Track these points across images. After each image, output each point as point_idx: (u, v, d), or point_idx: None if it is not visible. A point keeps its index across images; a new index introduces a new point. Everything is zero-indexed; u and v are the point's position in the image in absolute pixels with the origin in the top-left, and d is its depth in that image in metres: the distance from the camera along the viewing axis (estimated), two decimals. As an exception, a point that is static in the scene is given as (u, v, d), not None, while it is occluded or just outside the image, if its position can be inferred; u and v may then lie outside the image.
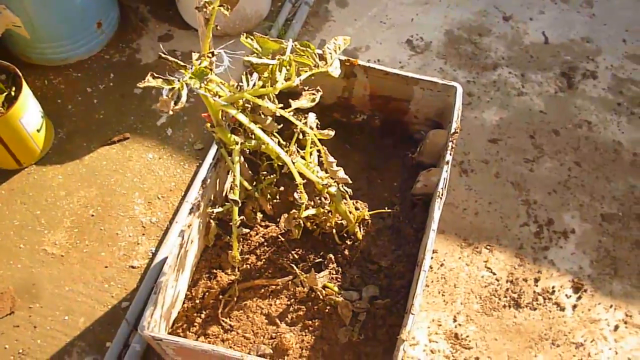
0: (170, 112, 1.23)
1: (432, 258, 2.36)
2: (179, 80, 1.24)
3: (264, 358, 1.55)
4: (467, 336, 2.21)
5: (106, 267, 2.30)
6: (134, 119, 2.67)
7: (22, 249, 2.32)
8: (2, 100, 2.30)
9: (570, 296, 2.33)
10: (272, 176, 1.78)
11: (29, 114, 2.35)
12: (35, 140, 2.45)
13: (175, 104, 1.19)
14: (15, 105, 2.26)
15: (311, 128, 1.53)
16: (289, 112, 1.46)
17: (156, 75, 1.23)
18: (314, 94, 1.47)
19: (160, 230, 2.39)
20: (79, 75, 2.78)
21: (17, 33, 2.54)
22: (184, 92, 1.22)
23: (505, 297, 2.31)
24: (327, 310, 1.69)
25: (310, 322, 1.68)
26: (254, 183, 1.76)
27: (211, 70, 1.28)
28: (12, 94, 2.32)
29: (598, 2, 3.24)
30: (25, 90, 2.32)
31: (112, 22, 2.84)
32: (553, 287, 2.34)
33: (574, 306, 2.31)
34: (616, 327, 2.27)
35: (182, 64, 1.26)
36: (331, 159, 1.56)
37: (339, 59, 1.65)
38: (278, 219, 1.86)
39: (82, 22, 2.68)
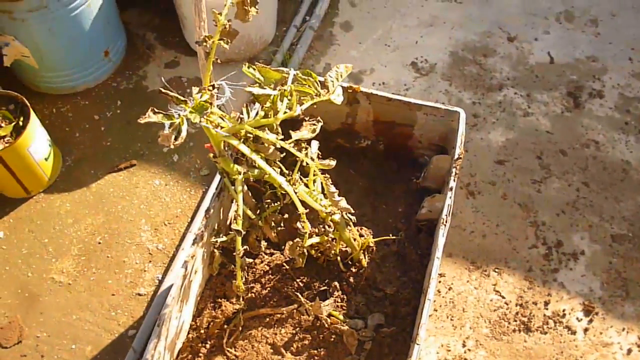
0: (172, 146, 1.24)
1: (439, 282, 2.34)
2: (179, 115, 1.25)
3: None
4: (477, 361, 2.18)
5: (113, 294, 2.31)
6: (140, 146, 2.69)
7: (30, 277, 2.33)
8: (10, 130, 2.33)
9: (582, 319, 2.29)
10: (276, 204, 1.78)
11: (36, 142, 2.37)
12: (43, 169, 2.47)
13: (176, 138, 1.20)
14: (23, 135, 2.28)
15: (312, 159, 1.53)
16: (290, 143, 1.46)
17: (157, 110, 1.24)
18: (314, 124, 1.47)
19: (167, 257, 2.39)
20: (87, 103, 2.81)
21: (25, 63, 2.58)
22: (184, 127, 1.23)
23: (515, 321, 2.28)
24: (332, 339, 1.67)
25: (315, 351, 1.67)
26: (258, 211, 1.76)
27: (211, 104, 1.28)
28: (20, 123, 2.35)
29: (603, 21, 3.24)
30: (33, 119, 2.35)
31: (119, 50, 2.87)
32: (564, 310, 2.30)
33: (586, 329, 2.27)
34: (629, 351, 2.23)
35: (182, 99, 1.27)
36: (333, 189, 1.56)
37: (341, 86, 1.65)
38: (283, 247, 1.86)
39: (90, 51, 2.72)
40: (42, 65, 2.62)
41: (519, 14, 3.26)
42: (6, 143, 2.30)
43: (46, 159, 2.47)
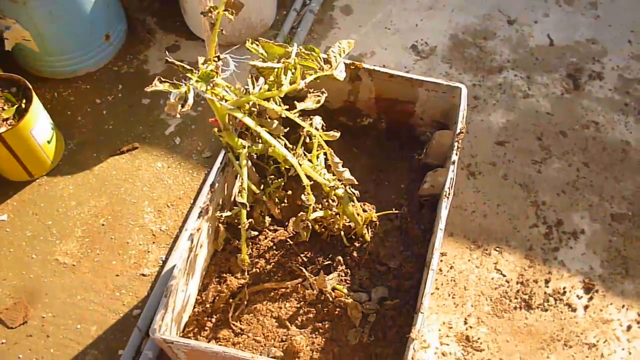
0: (178, 116, 1.25)
1: (441, 261, 2.36)
2: (185, 85, 1.26)
3: (274, 359, 1.56)
4: (479, 338, 2.20)
5: (117, 275, 2.32)
6: (142, 129, 2.70)
7: (34, 259, 2.34)
8: (13, 112, 2.34)
9: (582, 297, 2.32)
10: (279, 180, 1.80)
11: (39, 125, 2.38)
12: (46, 152, 2.48)
13: (183, 106, 1.21)
14: (26, 117, 2.29)
15: (316, 129, 1.54)
16: (295, 113, 1.48)
17: (163, 79, 1.25)
18: (319, 95, 1.49)
19: (170, 238, 2.41)
20: (88, 87, 2.82)
21: (26, 47, 2.59)
22: (191, 95, 1.24)
23: (516, 298, 2.30)
24: (336, 312, 1.69)
25: (320, 324, 1.68)
26: (262, 187, 1.78)
27: (217, 73, 1.30)
28: (23, 106, 2.35)
29: (603, 3, 3.25)
30: (36, 102, 2.36)
31: (120, 34, 2.88)
32: (564, 288, 2.33)
33: (586, 307, 2.29)
34: (629, 327, 2.25)
35: (188, 67, 1.28)
36: (337, 159, 1.57)
37: (344, 63, 1.66)
38: (286, 223, 1.87)
39: (91, 35, 2.72)
40: (43, 49, 2.63)
41: (518, -3, 3.27)
42: (9, 125, 2.31)
43: (49, 142, 2.48)
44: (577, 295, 2.31)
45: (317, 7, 3.09)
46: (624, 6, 3.24)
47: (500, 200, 2.54)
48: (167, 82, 1.25)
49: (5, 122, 2.32)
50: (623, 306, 2.30)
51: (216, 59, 1.33)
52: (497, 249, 2.41)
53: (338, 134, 1.55)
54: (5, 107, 2.35)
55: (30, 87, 2.35)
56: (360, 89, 1.96)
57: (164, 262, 2.35)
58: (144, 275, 2.33)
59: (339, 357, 1.63)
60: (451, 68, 2.95)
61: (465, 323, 2.24)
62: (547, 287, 2.33)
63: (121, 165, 2.59)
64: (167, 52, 1.32)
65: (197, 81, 1.26)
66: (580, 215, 2.51)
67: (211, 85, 1.28)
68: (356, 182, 1.63)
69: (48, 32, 2.57)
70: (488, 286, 2.32)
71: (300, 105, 1.48)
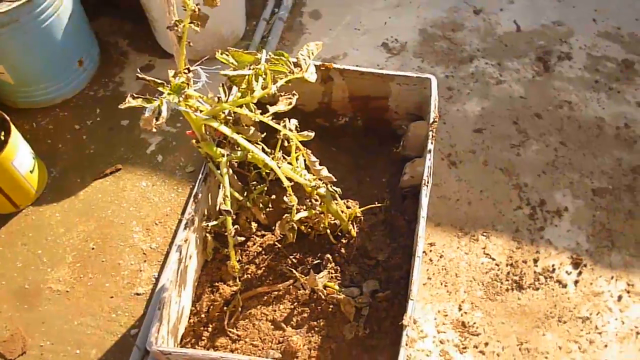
0: (154, 130, 1.27)
1: (431, 251, 2.39)
2: (158, 99, 1.28)
3: (271, 357, 1.58)
4: (474, 323, 2.23)
5: (112, 297, 2.33)
6: (124, 150, 2.71)
7: (27, 288, 2.35)
8: (-8, 146, 2.34)
9: (571, 272, 2.36)
10: (261, 185, 1.82)
11: (20, 156, 2.39)
12: (29, 182, 2.49)
13: (157, 119, 1.24)
14: (6, 149, 2.30)
15: (291, 130, 1.57)
16: (268, 116, 1.50)
17: (136, 95, 1.27)
18: (290, 98, 1.52)
19: (161, 255, 2.42)
20: (66, 114, 2.83)
21: (1, 79, 2.60)
22: (164, 108, 1.27)
23: (507, 280, 2.33)
24: (330, 309, 1.72)
25: (315, 322, 1.71)
26: (245, 194, 1.80)
27: (188, 85, 1.32)
28: (2, 138, 2.36)
29: (564, -15, 3.32)
30: (14, 133, 2.36)
31: (93, 58, 2.89)
32: (553, 266, 2.36)
33: (576, 282, 2.33)
34: (619, 298, 2.30)
35: (159, 81, 1.30)
36: (314, 158, 1.60)
37: (314, 65, 1.70)
38: (273, 228, 1.89)
39: (64, 62, 2.74)
40: (18, 81, 2.64)
41: (482, -13, 3.33)
42: (-10, 159, 2.32)
43: (31, 172, 2.49)
44: (567, 272, 2.35)
45: (286, 15, 3.13)
46: (585, -14, 3.31)
47: (483, 187, 2.58)
48: (140, 97, 1.27)
49: (-15, 156, 2.32)
50: (612, 277, 2.34)
51: (186, 70, 1.35)
52: (485, 234, 2.45)
53: (312, 134, 1.58)
54: (-16, 141, 2.36)
55: (8, 118, 2.36)
56: (334, 90, 1.99)
57: (157, 279, 2.36)
58: (138, 294, 2.33)
59: (337, 353, 1.66)
60: (423, 62, 2.99)
61: (460, 309, 2.27)
62: (537, 266, 2.36)
63: (106, 188, 2.61)
64: (138, 70, 1.35)
65: (169, 94, 1.28)
66: (562, 193, 2.56)
67: (183, 96, 1.31)
68: (334, 179, 1.66)
69: (21, 63, 2.59)
70: (479, 271, 2.35)
71: (272, 109, 1.51)
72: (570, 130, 2.75)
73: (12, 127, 2.35)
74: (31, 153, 2.50)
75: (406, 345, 1.38)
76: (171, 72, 1.34)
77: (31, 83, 2.69)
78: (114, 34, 3.10)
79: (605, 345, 2.18)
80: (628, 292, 2.31)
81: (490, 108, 2.82)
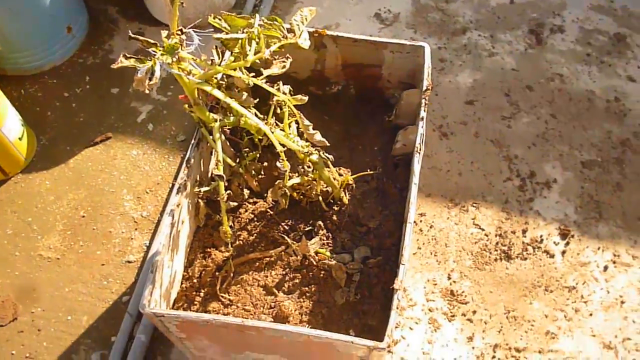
0: (147, 91, 1.26)
1: (421, 221, 2.41)
2: (151, 59, 1.27)
3: (263, 321, 1.59)
4: (463, 292, 2.26)
5: (103, 264, 2.33)
6: (114, 119, 2.69)
7: (17, 256, 2.34)
8: (-19, 112, 2.32)
9: (559, 243, 2.39)
10: (254, 152, 1.82)
11: (9, 122, 2.37)
12: (19, 149, 2.47)
13: (150, 79, 1.23)
14: (-6, 115, 2.28)
15: (284, 93, 1.56)
16: (262, 79, 1.50)
17: (129, 55, 1.26)
18: (284, 61, 1.51)
19: (152, 224, 2.42)
20: (55, 82, 2.80)
21: (-12, 45, 2.56)
22: (157, 68, 1.26)
23: (496, 250, 2.36)
24: (322, 275, 1.73)
25: (306, 288, 1.72)
26: (238, 160, 1.80)
27: (181, 46, 1.31)
28: (-10, 104, 2.34)
29: (558, -42, 3.30)
30: (3, 99, 2.34)
31: (82, 25, 2.85)
32: (541, 236, 2.39)
33: (563, 252, 2.37)
34: (605, 268, 2.33)
35: (152, 42, 1.29)
36: (307, 122, 1.60)
37: (308, 31, 1.68)
38: (265, 195, 1.90)
39: (52, 28, 2.70)
40: (6, 47, 2.60)
41: (476, -41, 3.30)
42: (-22, 125, 2.29)
43: (20, 139, 2.47)
44: (554, 242, 2.38)
45: (278, -16, 3.10)
46: (579, -41, 3.30)
47: (473, 158, 2.59)
48: (133, 57, 1.26)
49: (-26, 122, 2.30)
50: (599, 248, 2.37)
51: (179, 32, 1.34)
52: (474, 204, 2.47)
53: (306, 98, 1.58)
54: (-27, 107, 2.33)
55: (-4, 84, 2.33)
56: (327, 57, 1.98)
57: (148, 247, 2.36)
58: (129, 262, 2.34)
59: (328, 317, 1.67)
60: (416, 33, 2.98)
61: (449, 278, 2.30)
62: (525, 237, 2.39)
63: (96, 157, 2.59)
64: (130, 31, 1.32)
65: (162, 54, 1.27)
66: (552, 165, 2.58)
67: (176, 57, 1.30)
68: (327, 144, 1.66)
69: (9, 29, 2.55)
70: (468, 241, 2.38)
71: (266, 72, 1.50)
72: (561, 103, 2.76)
73: (1, 93, 2.32)
74: (20, 120, 2.48)
75: (397, 309, 1.40)
76: (164, 33, 1.33)
77: (19, 49, 2.65)
78: (103, 1, 3.05)
79: (591, 314, 2.23)
80: (614, 262, 2.34)
81: (482, 80, 2.82)
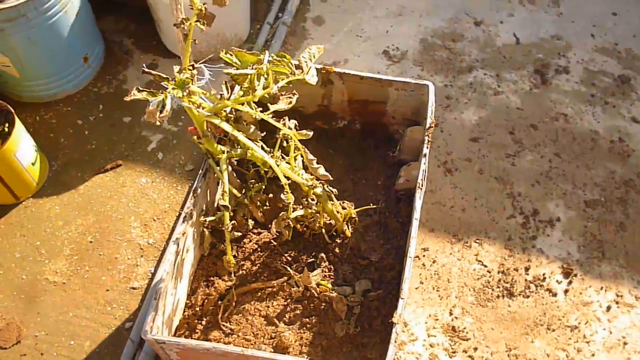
0: (158, 122, 1.31)
1: (424, 256, 2.42)
2: (162, 93, 1.32)
3: (263, 351, 1.61)
4: (464, 328, 2.26)
5: (107, 290, 2.36)
6: (125, 147, 2.75)
7: (24, 279, 2.37)
8: (-4, 137, 2.38)
9: (561, 281, 2.39)
10: (259, 183, 1.86)
11: (23, 148, 2.42)
12: (31, 174, 2.52)
13: (161, 112, 1.27)
14: (9, 140, 2.33)
15: (290, 129, 1.61)
16: (269, 114, 1.54)
17: (141, 88, 1.31)
18: (290, 97, 1.56)
19: (158, 251, 2.45)
20: (69, 109, 2.87)
21: (6, 72, 2.63)
22: (168, 102, 1.31)
23: (498, 287, 2.37)
24: (322, 307, 1.75)
25: (307, 319, 1.74)
26: (243, 191, 1.84)
27: (192, 80, 1.36)
28: (6, 130, 2.40)
29: (564, 0, 3.37)
30: (18, 125, 2.40)
31: (98, 55, 2.94)
32: (544, 274, 2.40)
33: (566, 291, 2.37)
34: (608, 308, 2.33)
35: (164, 76, 1.34)
36: (311, 157, 1.64)
37: (315, 68, 1.74)
38: (269, 226, 1.93)
39: (69, 58, 2.78)
40: (23, 74, 2.68)
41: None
42: (-7, 150, 2.35)
43: (33, 164, 2.52)
44: (557, 281, 2.39)
45: (289, 20, 3.18)
46: (585, 1, 3.37)
47: (477, 194, 2.61)
48: (145, 90, 1.31)
49: (-11, 147, 2.36)
50: (601, 288, 2.37)
51: (191, 67, 1.39)
52: (477, 241, 2.48)
53: (311, 133, 1.62)
54: (-12, 132, 2.40)
55: (13, 111, 2.39)
56: (333, 93, 2.03)
57: (153, 274, 2.39)
58: (134, 288, 2.36)
59: (328, 349, 1.69)
60: (422, 70, 3.04)
61: (451, 314, 2.30)
62: (528, 274, 2.40)
63: (106, 183, 2.64)
64: (143, 65, 1.38)
65: (173, 88, 1.32)
66: (555, 203, 2.60)
67: (187, 91, 1.35)
68: (331, 178, 1.69)
69: (27, 58, 2.62)
70: (470, 277, 2.39)
71: (273, 107, 1.55)
72: (565, 142, 2.79)
73: (17, 119, 2.38)
74: (34, 146, 2.54)
75: (395, 342, 1.41)
76: (176, 68, 1.38)
77: (36, 77, 2.73)
78: (119, 32, 3.15)
79: (593, 354, 2.22)
80: (617, 302, 2.34)
81: (487, 118, 2.87)
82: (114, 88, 2.95)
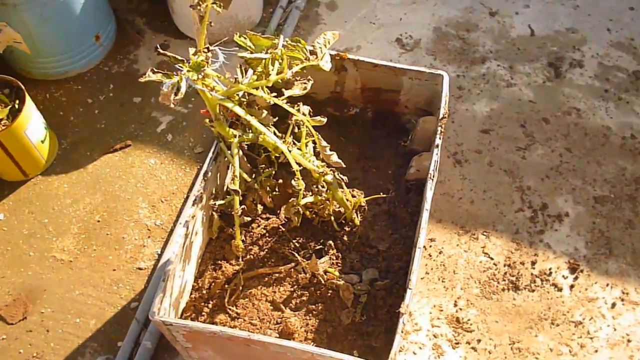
0: (172, 105, 1.30)
1: (430, 246, 2.42)
2: (177, 75, 1.32)
3: (269, 336, 1.61)
4: (468, 320, 2.27)
5: (114, 270, 2.37)
6: (134, 127, 2.75)
7: (31, 256, 2.39)
8: (7, 113, 2.38)
9: (567, 277, 2.39)
10: (270, 169, 1.85)
11: (32, 125, 2.42)
12: (40, 151, 2.52)
13: (176, 94, 1.27)
14: (19, 117, 2.33)
15: (304, 114, 1.60)
16: (283, 99, 1.53)
17: (156, 70, 1.30)
18: (305, 83, 1.55)
19: (165, 232, 2.46)
20: (80, 88, 2.86)
21: (18, 49, 2.63)
22: (183, 84, 1.30)
23: (504, 280, 2.37)
24: (329, 294, 1.75)
25: (313, 306, 1.74)
26: (254, 176, 1.83)
27: (207, 63, 1.35)
28: (16, 106, 2.40)
29: (581, -7, 3.33)
30: (29, 102, 2.40)
31: (109, 34, 2.92)
32: (550, 269, 2.40)
33: (571, 286, 2.37)
34: (613, 305, 2.33)
35: (180, 58, 1.33)
36: (324, 143, 1.63)
37: (329, 54, 1.72)
38: (278, 211, 1.93)
39: (81, 36, 2.77)
40: (35, 51, 2.67)
41: (499, -10, 3.34)
42: (3, 126, 2.35)
43: (42, 142, 2.53)
44: (563, 276, 2.38)
45: (302, 4, 3.16)
46: (602, -5, 3.33)
47: (486, 187, 2.60)
48: (160, 72, 1.30)
49: (-1, 123, 2.36)
50: (607, 285, 2.37)
51: (206, 50, 1.38)
52: (485, 233, 2.48)
53: (325, 119, 1.61)
54: (-1, 108, 2.40)
55: (23, 88, 2.39)
56: (346, 80, 2.02)
57: (160, 255, 2.40)
58: (140, 269, 2.37)
59: (333, 336, 1.69)
60: (435, 60, 3.02)
61: (455, 305, 2.30)
62: (534, 268, 2.40)
63: (115, 163, 2.64)
64: (158, 46, 1.37)
65: (188, 71, 1.31)
66: (564, 198, 2.59)
67: (202, 74, 1.34)
68: (343, 166, 1.69)
69: (39, 34, 2.62)
70: (476, 269, 2.39)
71: (287, 92, 1.54)
72: (576, 137, 2.77)
73: (27, 96, 2.38)
74: (43, 124, 2.54)
75: (402, 332, 1.41)
76: (191, 50, 1.37)
77: (47, 54, 2.72)
78: (131, 11, 3.13)
79: (596, 351, 2.22)
80: (622, 300, 2.34)
81: (498, 110, 2.85)
82: (124, 67, 2.94)
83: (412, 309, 2.25)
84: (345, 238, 1.84)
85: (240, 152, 1.73)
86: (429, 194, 1.63)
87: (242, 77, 1.55)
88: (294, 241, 1.85)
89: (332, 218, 1.82)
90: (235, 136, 1.62)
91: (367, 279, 1.77)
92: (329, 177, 1.72)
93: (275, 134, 1.65)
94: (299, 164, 1.64)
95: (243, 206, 1.71)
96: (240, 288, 1.78)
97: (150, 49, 2.99)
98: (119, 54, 2.98)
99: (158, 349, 2.18)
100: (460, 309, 2.29)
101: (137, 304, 2.28)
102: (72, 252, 2.40)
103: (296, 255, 1.79)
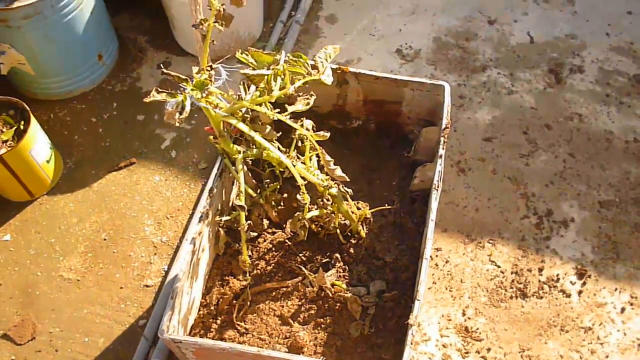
0: (177, 124, 1.31)
1: (437, 256, 2.42)
2: (181, 94, 1.33)
3: (278, 351, 1.61)
4: (477, 328, 2.26)
5: (121, 287, 2.37)
6: (138, 144, 2.76)
7: (39, 276, 2.39)
8: (12, 134, 2.40)
9: (575, 282, 2.38)
10: (275, 183, 1.86)
11: (38, 145, 2.44)
12: (46, 171, 2.54)
13: (180, 113, 1.28)
14: (24, 138, 2.35)
15: (307, 129, 1.61)
16: (286, 115, 1.54)
17: (160, 89, 1.31)
18: (308, 98, 1.56)
19: (171, 249, 2.46)
20: (84, 107, 2.88)
21: (22, 70, 2.65)
22: (187, 103, 1.31)
23: (512, 288, 2.36)
24: (337, 307, 1.75)
25: (322, 319, 1.74)
26: (259, 191, 1.84)
27: (211, 81, 1.37)
28: (21, 127, 2.42)
29: (579, -1, 3.35)
30: (34, 123, 2.42)
31: (112, 53, 2.95)
32: (557, 275, 2.39)
33: (580, 292, 2.36)
34: (622, 309, 2.32)
35: (183, 77, 1.35)
36: (328, 157, 1.64)
37: (331, 68, 1.74)
38: (284, 225, 1.93)
39: (84, 55, 2.79)
40: (39, 72, 2.69)
41: (497, -2, 3.37)
42: (8, 147, 2.37)
43: (48, 162, 2.54)
44: (571, 282, 2.38)
45: (302, 18, 3.18)
46: (600, 0, 3.34)
47: (490, 194, 2.61)
48: (164, 92, 1.31)
49: (4, 144, 2.38)
50: (616, 289, 2.36)
51: (209, 68, 1.40)
52: (491, 241, 2.48)
53: (328, 134, 1.62)
54: (4, 130, 2.41)
55: (28, 108, 2.41)
56: (348, 93, 2.03)
57: (167, 272, 2.40)
58: (147, 286, 2.38)
59: (342, 349, 1.69)
60: (436, 69, 3.03)
61: (464, 314, 2.30)
62: (541, 275, 2.39)
63: (120, 181, 2.65)
64: (162, 65, 1.39)
65: (192, 89, 1.33)
66: (569, 204, 2.59)
67: (206, 93, 1.35)
68: (348, 179, 1.69)
69: (43, 55, 2.64)
70: (484, 278, 2.38)
71: (290, 108, 1.55)
72: (579, 142, 2.77)
73: (32, 117, 2.40)
74: (48, 143, 2.55)
75: (411, 344, 1.41)
76: (195, 69, 1.38)
77: (51, 75, 2.74)
78: (133, 30, 3.15)
79: (607, 356, 2.21)
80: (631, 304, 2.33)
81: (501, 117, 2.86)
82: (127, 86, 2.96)
83: (421, 319, 2.25)
84: (351, 250, 1.84)
85: (245, 168, 1.74)
86: (434, 204, 1.64)
87: (245, 93, 1.56)
88: (300, 255, 1.85)
89: (338, 231, 1.82)
90: (239, 152, 1.63)
91: (375, 290, 1.77)
92: (334, 190, 1.72)
93: (279, 148, 1.66)
94: (304, 178, 1.65)
95: (249, 221, 1.71)
96: (248, 303, 1.78)
97: (153, 67, 3.01)
98: (122, 72, 3.00)
99: (167, 366, 2.18)
100: (469, 318, 2.29)
101: (145, 322, 2.28)
102: (79, 271, 2.41)
103: (303, 269, 1.79)
